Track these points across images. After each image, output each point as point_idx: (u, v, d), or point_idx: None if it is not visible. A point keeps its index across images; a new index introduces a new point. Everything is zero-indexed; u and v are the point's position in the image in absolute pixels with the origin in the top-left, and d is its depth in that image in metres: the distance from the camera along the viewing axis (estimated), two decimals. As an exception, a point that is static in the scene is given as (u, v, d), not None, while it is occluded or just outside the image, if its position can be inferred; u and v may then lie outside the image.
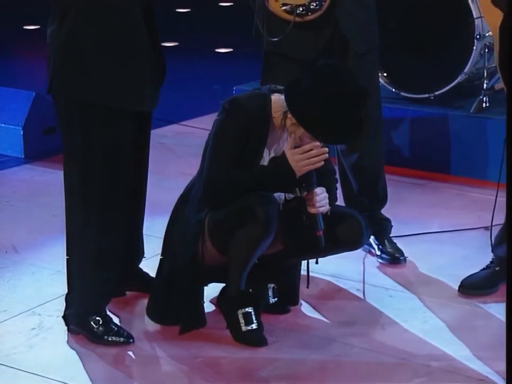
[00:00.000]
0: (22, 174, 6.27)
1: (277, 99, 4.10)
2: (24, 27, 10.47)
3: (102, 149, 4.11)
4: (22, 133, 6.41)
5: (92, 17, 4.05)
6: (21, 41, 10.03)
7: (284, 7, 4.59)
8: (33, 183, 6.11)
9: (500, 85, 3.71)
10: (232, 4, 11.50)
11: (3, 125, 6.48)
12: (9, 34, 10.22)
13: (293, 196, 4.16)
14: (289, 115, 4.02)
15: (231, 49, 9.47)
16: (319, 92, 4.03)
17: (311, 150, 4.01)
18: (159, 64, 4.25)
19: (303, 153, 4.00)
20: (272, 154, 4.16)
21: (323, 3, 4.58)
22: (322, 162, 4.06)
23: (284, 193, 4.18)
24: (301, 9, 4.56)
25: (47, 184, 5.96)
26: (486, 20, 4.93)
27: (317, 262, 4.39)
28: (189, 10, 10.70)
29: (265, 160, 4.16)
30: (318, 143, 4.01)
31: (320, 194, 4.09)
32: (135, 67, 4.13)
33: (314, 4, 4.57)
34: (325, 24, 4.65)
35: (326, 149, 4.03)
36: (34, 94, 6.51)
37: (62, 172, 4.82)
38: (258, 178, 4.11)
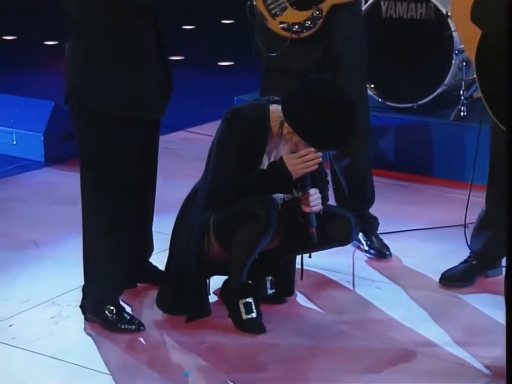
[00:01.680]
0: (42, 176, 6.26)
1: (275, 109, 4.09)
2: (45, 42, 10.45)
3: (113, 153, 4.10)
4: (42, 139, 6.39)
5: (104, 35, 4.03)
6: (41, 56, 10.01)
7: (281, 25, 4.57)
8: (52, 185, 6.09)
9: (478, 93, 3.65)
10: (233, 21, 11.50)
11: (25, 131, 6.47)
12: (31, 49, 10.21)
13: (290, 197, 4.14)
14: (285, 124, 4.01)
15: (232, 63, 9.49)
16: (312, 103, 4.03)
17: (306, 155, 4.00)
18: (166, 77, 4.22)
19: (299, 158, 4.00)
20: (271, 159, 4.16)
21: (317, 22, 4.55)
22: (317, 166, 4.06)
23: (282, 195, 4.17)
24: (296, 27, 4.54)
25: (65, 185, 5.90)
26: (458, 33, 4.88)
27: (310, 256, 4.41)
28: (193, 27, 10.69)
29: (264, 165, 4.15)
30: (312, 149, 3.98)
31: (314, 195, 4.10)
32: (144, 79, 4.11)
33: (309, 22, 4.55)
34: (319, 41, 4.62)
35: (320, 154, 4.04)
36: (53, 103, 6.47)
37: (77, 175, 4.77)
38: (258, 181, 4.11)
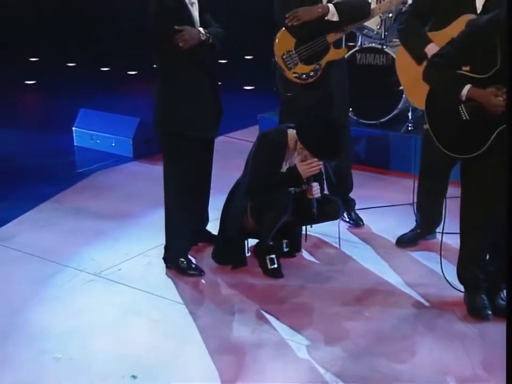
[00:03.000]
0: (131, 167, 6.19)
1: (291, 132, 4.07)
2: (128, 72, 10.22)
3: (184, 159, 4.04)
4: (131, 142, 6.33)
5: (178, 81, 3.95)
6: (127, 83, 9.82)
7: (294, 75, 4.49)
8: (138, 173, 6.03)
9: (426, 126, 3.66)
10: (252, 57, 11.18)
11: (120, 137, 6.41)
12: (118, 78, 9.97)
13: (299, 189, 4.13)
14: (298, 142, 4.01)
15: (253, 87, 9.23)
16: (316, 129, 4.02)
17: (312, 163, 4.00)
18: (218, 107, 4.16)
19: (307, 165, 4.00)
20: (288, 166, 4.12)
21: (318, 72, 4.48)
22: (319, 170, 4.08)
23: (294, 188, 4.14)
24: (304, 76, 4.48)
25: (147, 173, 5.90)
26: (399, 77, 4.67)
27: (311, 227, 4.42)
28: (226, 61, 10.70)
29: (283, 169, 4.12)
30: (316, 159, 3.99)
31: (315, 187, 4.10)
32: (205, 110, 4.03)
33: (312, 73, 4.48)
34: (319, 85, 4.53)
35: (321, 162, 4.04)
36: (138, 119, 6.39)
37: (155, 166, 5.15)
38: (280, 180, 4.08)
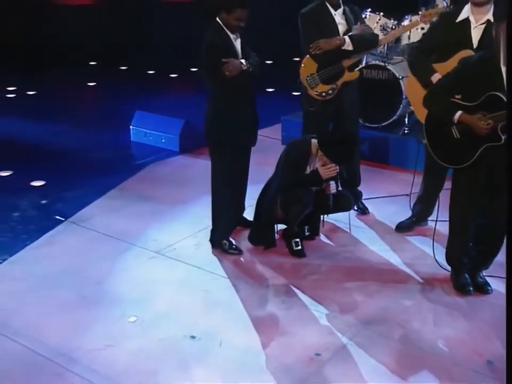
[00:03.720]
0: (178, 160, 6.12)
1: (314, 142, 4.08)
2: (170, 75, 9.83)
3: (227, 161, 4.05)
4: (178, 139, 6.26)
5: (224, 100, 3.95)
6: (170, 84, 9.52)
7: (315, 93, 4.47)
8: (184, 165, 5.96)
9: (424, 140, 3.65)
10: (272, 61, 10.92)
11: (169, 135, 6.33)
12: (163, 80, 9.64)
13: (319, 188, 4.14)
14: (319, 150, 4.04)
15: (274, 89, 8.65)
16: (334, 141, 4.05)
17: (330, 167, 4.02)
18: (256, 117, 4.11)
19: (327, 169, 4.02)
20: (311, 169, 4.11)
21: (335, 90, 4.47)
22: (336, 173, 4.08)
23: (315, 187, 4.14)
24: (324, 94, 4.47)
25: (192, 165, 5.89)
26: (408, 97, 4.65)
27: (327, 215, 4.42)
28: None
29: (307, 171, 4.12)
30: (333, 164, 4.03)
31: (332, 185, 4.11)
32: (245, 124, 4.03)
33: (331, 91, 4.46)
34: (336, 101, 4.50)
35: (337, 167, 4.06)
36: (184, 120, 6.31)
37: (198, 159, 5.30)
38: (304, 180, 4.09)
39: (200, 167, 5.49)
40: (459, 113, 3.35)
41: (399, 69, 5.79)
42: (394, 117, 5.86)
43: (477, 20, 3.80)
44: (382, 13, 5.91)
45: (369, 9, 5.97)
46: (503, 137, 3.29)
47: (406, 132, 5.81)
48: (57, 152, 6.21)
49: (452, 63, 3.71)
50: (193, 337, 3.31)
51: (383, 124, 5.90)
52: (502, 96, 3.18)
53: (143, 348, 3.23)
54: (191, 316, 3.51)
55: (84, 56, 10.57)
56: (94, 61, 10.76)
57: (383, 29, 5.79)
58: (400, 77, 5.70)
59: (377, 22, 5.85)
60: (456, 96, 3.38)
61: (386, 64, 5.84)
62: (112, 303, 3.65)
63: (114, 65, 10.40)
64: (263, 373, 3.03)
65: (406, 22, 5.84)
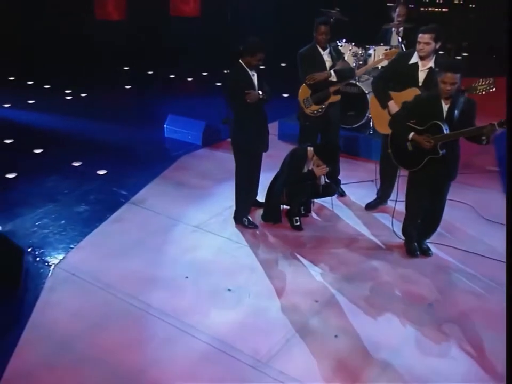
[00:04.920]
0: (201, 152, 5.96)
1: (310, 149, 4.18)
2: (187, 78, 9.42)
3: (247, 163, 4.02)
4: (201, 136, 6.16)
5: (243, 116, 4.02)
6: (188, 87, 8.98)
7: (309, 111, 4.56)
8: (206, 156, 5.82)
9: (389, 150, 3.77)
10: (264, 67, 10.64)
11: (194, 132, 6.24)
12: (182, 83, 9.16)
13: (313, 181, 4.18)
14: (315, 155, 4.14)
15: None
16: (325, 149, 4.19)
17: (322, 167, 4.12)
18: (267, 130, 4.14)
19: (320, 169, 4.12)
20: (308, 168, 4.18)
21: (323, 109, 4.56)
22: (326, 171, 4.15)
23: (311, 181, 4.18)
24: (315, 112, 4.57)
25: (213, 156, 5.77)
26: (371, 112, 4.66)
27: (316, 198, 4.46)
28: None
29: (305, 171, 4.19)
30: (325, 165, 4.13)
31: (322, 178, 4.25)
32: (261, 134, 4.09)
33: (320, 110, 4.56)
34: (324, 117, 4.57)
35: (327, 167, 4.13)
36: (205, 122, 6.21)
37: (216, 152, 5.28)
38: (303, 177, 4.18)
39: (219, 158, 5.53)
40: (412, 133, 3.65)
41: (366, 85, 5.84)
42: (362, 121, 5.92)
43: (423, 65, 4.03)
44: (353, 43, 6.05)
45: (344, 40, 6.09)
46: (441, 152, 3.65)
47: (370, 132, 5.88)
48: (112, 146, 6.07)
49: (404, 94, 3.96)
50: (229, 290, 3.52)
51: (354, 126, 5.93)
52: (441, 124, 3.54)
53: (196, 294, 3.46)
54: (226, 275, 3.68)
55: (119, 62, 10.22)
56: (127, 67, 10.54)
57: (354, 55, 5.91)
58: (367, 92, 5.75)
59: (350, 50, 5.98)
60: (411, 121, 3.66)
61: (357, 82, 5.88)
62: (169, 265, 3.80)
63: (143, 70, 10.11)
64: (278, 311, 3.34)
65: (371, 51, 5.96)
